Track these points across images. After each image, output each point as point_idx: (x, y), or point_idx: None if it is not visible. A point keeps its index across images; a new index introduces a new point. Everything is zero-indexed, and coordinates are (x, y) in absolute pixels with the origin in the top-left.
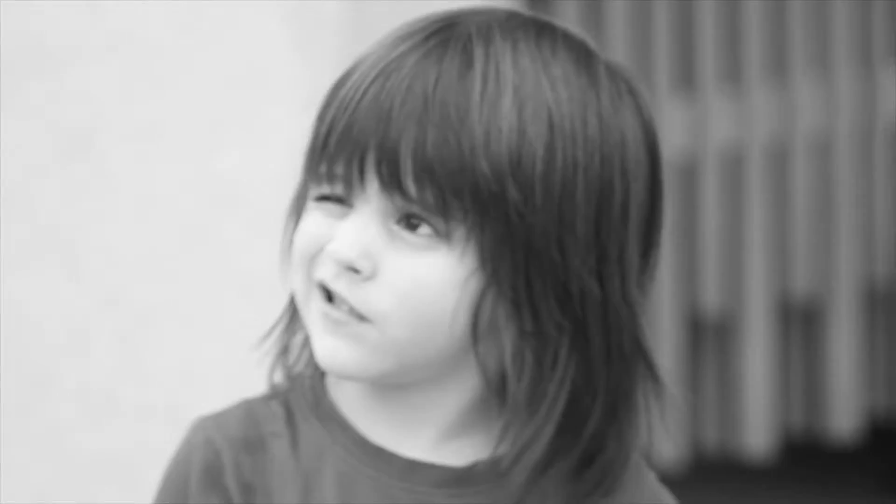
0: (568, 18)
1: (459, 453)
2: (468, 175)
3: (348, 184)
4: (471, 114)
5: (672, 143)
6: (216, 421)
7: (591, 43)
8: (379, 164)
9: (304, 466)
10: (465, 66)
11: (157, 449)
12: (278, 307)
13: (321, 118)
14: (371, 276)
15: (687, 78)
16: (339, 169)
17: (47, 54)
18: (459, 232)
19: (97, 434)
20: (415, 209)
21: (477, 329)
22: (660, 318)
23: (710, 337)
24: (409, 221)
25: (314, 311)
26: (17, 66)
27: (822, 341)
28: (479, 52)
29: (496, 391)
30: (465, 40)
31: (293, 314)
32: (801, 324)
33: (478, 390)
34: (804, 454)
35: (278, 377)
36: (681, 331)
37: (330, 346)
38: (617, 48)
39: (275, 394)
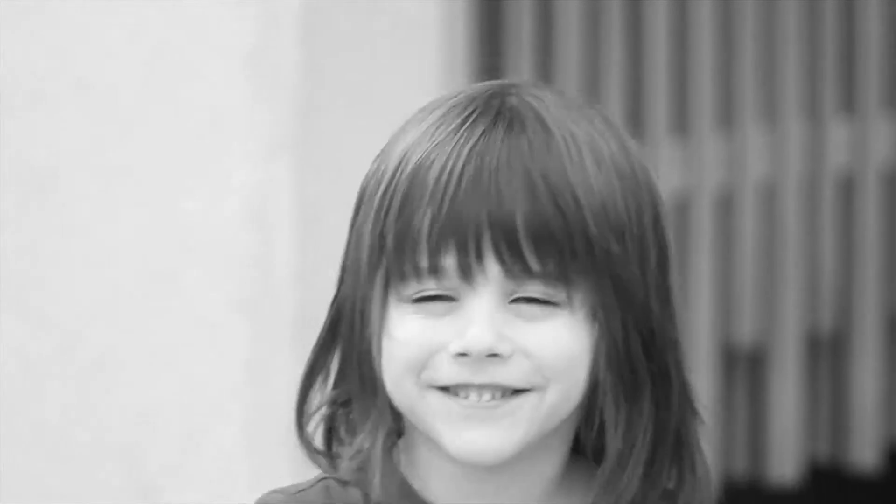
0: (569, 74)
1: None
2: (582, 238)
3: (464, 272)
4: (569, 178)
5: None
6: (294, 501)
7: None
8: (497, 245)
9: None
10: (546, 133)
11: (110, 488)
12: (237, 352)
13: (402, 213)
14: (510, 356)
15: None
16: (449, 260)
17: (12, 95)
18: (578, 295)
19: (51, 474)
20: (536, 286)
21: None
22: (697, 348)
23: (742, 367)
24: (526, 300)
25: (441, 411)
26: None
27: (846, 373)
28: (549, 118)
29: (577, 449)
30: (529, 108)
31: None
32: (828, 355)
33: (562, 458)
34: (829, 482)
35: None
36: (716, 360)
37: (475, 437)
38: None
39: (346, 478)
